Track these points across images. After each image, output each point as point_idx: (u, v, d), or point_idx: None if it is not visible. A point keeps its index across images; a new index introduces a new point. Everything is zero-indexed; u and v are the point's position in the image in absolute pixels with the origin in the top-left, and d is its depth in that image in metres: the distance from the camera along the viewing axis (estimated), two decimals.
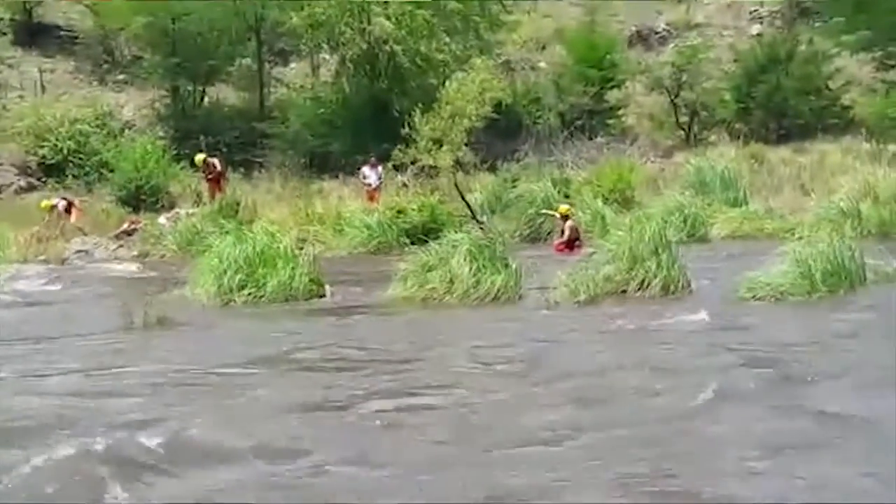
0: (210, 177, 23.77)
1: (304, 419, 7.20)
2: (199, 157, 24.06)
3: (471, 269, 12.52)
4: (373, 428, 6.92)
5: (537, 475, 5.80)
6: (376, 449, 6.41)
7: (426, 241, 13.69)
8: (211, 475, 5.98)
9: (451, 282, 12.53)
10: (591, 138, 29.44)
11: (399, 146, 21.05)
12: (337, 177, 27.33)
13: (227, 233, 14.33)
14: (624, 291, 12.12)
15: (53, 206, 22.38)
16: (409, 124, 20.83)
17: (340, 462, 6.17)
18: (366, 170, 24.46)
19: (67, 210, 22.47)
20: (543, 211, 19.53)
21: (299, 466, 6.10)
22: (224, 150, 26.86)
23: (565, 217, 18.42)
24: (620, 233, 13.16)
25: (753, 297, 11.45)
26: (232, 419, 7.21)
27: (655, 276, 12.17)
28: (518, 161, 26.39)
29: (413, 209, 19.37)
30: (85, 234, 21.31)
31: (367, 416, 7.17)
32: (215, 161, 24.09)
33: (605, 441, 6.42)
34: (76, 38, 34.22)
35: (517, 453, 6.23)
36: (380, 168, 24.19)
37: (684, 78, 32.52)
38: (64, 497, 5.63)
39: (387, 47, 28.25)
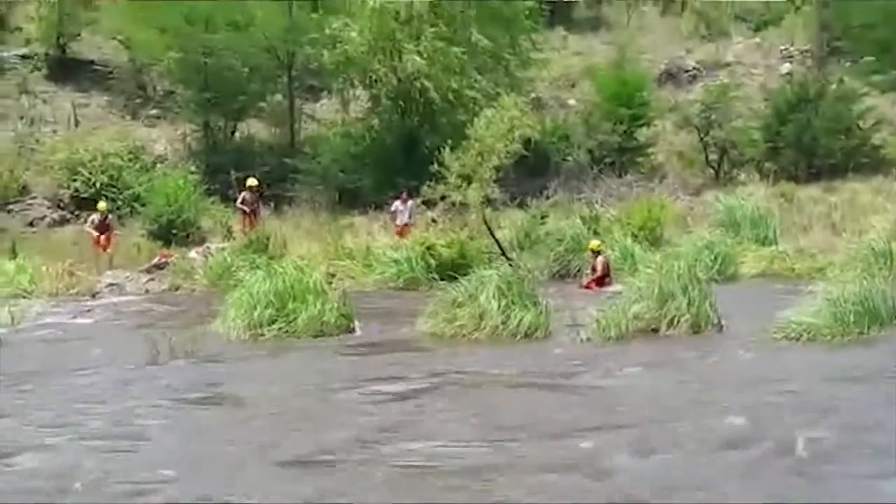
0: (252, 207, 24.11)
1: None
2: (253, 181, 24.40)
3: (500, 305, 12.53)
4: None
5: None
6: None
7: (455, 278, 13.63)
8: None
9: (480, 318, 12.54)
10: (620, 176, 29.38)
11: (428, 182, 21.09)
12: (366, 212, 27.40)
13: (257, 267, 14.41)
14: (655, 330, 12.08)
15: (105, 216, 22.97)
16: (438, 161, 20.89)
17: None
18: (398, 203, 24.54)
19: (102, 228, 22.73)
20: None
21: None
22: None
23: (596, 253, 18.38)
24: (650, 270, 13.13)
25: (785, 336, 11.36)
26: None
27: (685, 315, 12.12)
28: (547, 198, 26.33)
29: (442, 245, 19.36)
30: (112, 266, 21.50)
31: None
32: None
33: None
34: (110, 72, 34.49)
35: None
36: (411, 202, 24.26)
37: (714, 116, 32.45)
38: None
39: (418, 83, 28.37)
